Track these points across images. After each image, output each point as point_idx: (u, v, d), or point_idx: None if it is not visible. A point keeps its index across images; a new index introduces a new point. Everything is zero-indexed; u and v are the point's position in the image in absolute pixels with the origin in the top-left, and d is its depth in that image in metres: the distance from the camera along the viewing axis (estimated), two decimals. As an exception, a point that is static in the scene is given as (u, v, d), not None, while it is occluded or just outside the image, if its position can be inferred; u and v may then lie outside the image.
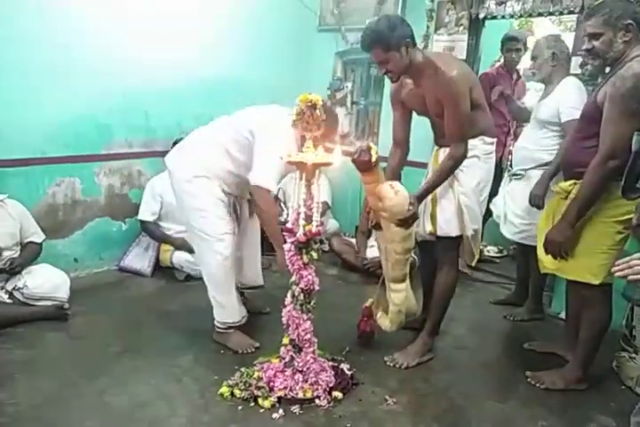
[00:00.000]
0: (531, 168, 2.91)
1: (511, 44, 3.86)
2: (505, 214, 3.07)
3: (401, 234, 2.49)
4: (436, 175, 2.40)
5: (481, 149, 2.44)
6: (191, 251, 3.47)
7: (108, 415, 2.13)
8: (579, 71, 3.17)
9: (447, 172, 2.38)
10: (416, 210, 2.40)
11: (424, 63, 2.30)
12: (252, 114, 2.64)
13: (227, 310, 2.68)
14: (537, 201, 2.81)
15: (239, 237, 2.79)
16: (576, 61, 3.20)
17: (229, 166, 2.62)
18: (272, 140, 2.47)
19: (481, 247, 3.31)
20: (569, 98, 2.75)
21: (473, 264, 2.81)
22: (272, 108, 2.64)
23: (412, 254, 2.70)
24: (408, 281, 2.68)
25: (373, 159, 2.37)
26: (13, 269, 2.86)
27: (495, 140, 2.52)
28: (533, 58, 2.96)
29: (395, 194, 2.38)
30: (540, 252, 2.40)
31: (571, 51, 3.17)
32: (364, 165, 2.38)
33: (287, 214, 2.30)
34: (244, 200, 2.87)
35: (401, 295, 2.63)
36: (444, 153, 2.43)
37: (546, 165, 2.83)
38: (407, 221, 2.40)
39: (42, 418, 2.10)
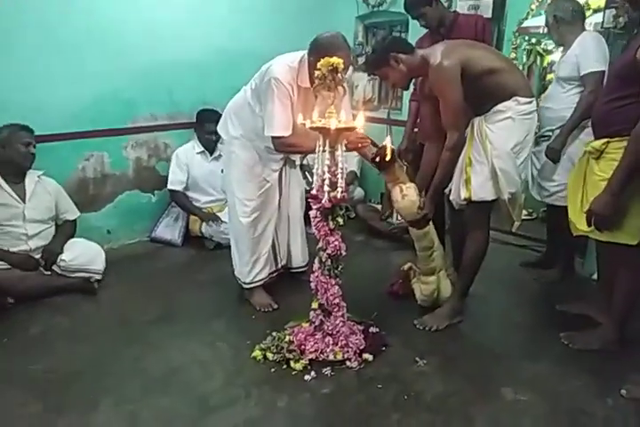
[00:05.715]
0: (557, 128, 2.83)
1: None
2: (532, 176, 3.01)
3: (414, 233, 2.62)
4: (440, 170, 2.46)
5: (515, 109, 2.35)
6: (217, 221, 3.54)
7: (146, 380, 2.20)
8: (611, 25, 3.06)
9: (447, 163, 2.44)
10: (428, 211, 2.52)
11: (420, 64, 2.40)
12: (263, 68, 2.59)
13: (239, 267, 2.81)
14: (553, 154, 2.82)
15: (283, 213, 2.88)
16: (609, 14, 3.10)
17: (259, 125, 2.58)
18: (270, 91, 2.46)
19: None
20: (587, 52, 2.69)
21: (514, 230, 2.72)
22: (278, 59, 2.57)
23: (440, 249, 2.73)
24: (443, 272, 2.72)
25: (387, 158, 2.40)
26: (48, 261, 2.90)
27: (533, 99, 2.42)
28: (547, 24, 2.95)
29: (402, 198, 2.50)
30: (572, 213, 2.34)
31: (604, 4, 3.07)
32: (379, 164, 2.46)
33: (312, 182, 2.29)
34: (293, 168, 2.90)
35: (429, 288, 2.71)
36: (477, 122, 2.42)
37: None
38: (418, 223, 2.56)
39: (82, 384, 2.17)
